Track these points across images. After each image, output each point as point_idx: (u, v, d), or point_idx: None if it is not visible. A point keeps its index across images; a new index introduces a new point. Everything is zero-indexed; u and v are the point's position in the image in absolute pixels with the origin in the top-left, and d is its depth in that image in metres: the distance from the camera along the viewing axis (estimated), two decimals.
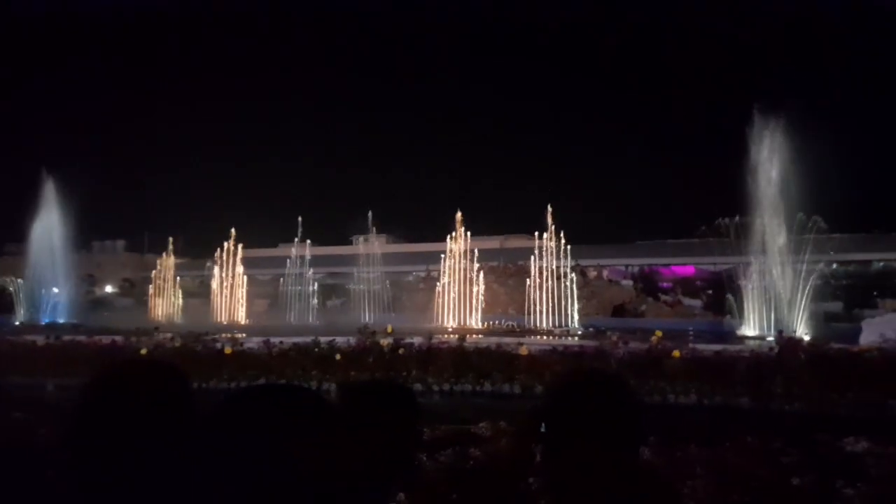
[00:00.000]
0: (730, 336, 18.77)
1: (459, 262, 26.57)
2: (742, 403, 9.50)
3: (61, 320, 29.44)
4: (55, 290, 47.82)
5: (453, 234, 27.00)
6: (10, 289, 44.60)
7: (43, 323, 27.67)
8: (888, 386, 9.09)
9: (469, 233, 27.51)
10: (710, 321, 25.06)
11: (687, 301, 33.78)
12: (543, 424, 1.66)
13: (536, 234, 26.99)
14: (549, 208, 26.74)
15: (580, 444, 1.56)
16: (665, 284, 40.36)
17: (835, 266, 42.78)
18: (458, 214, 26.87)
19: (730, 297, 23.18)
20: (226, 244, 31.00)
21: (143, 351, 13.20)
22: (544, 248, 26.72)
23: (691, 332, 16.97)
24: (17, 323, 27.42)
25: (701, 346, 11.79)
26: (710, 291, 37.33)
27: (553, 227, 26.70)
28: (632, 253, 46.90)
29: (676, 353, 10.53)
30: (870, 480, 4.38)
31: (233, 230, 29.62)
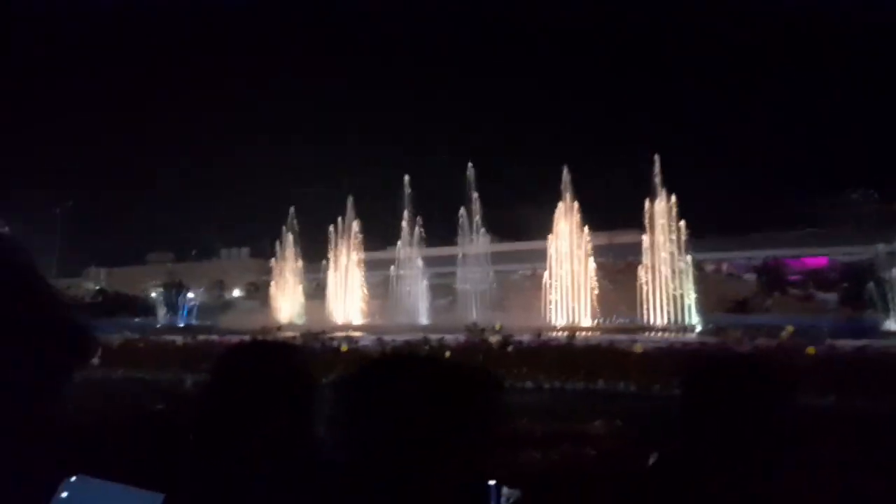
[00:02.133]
0: (873, 332, 16.99)
1: (566, 259, 26.07)
2: (890, 406, 8.54)
3: (195, 322, 32.06)
4: (190, 294, 52.29)
5: (555, 230, 26.57)
6: (153, 294, 49.32)
7: (180, 325, 30.26)
8: None
9: (576, 229, 26.91)
10: (849, 317, 22.81)
11: (820, 295, 31.03)
12: (681, 425, 1.53)
13: (647, 226, 25.86)
14: (659, 200, 25.57)
15: (728, 453, 1.42)
16: (794, 277, 37.33)
17: None
18: (561, 207, 26.35)
19: (871, 286, 21.01)
20: (339, 248, 32.48)
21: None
22: (654, 243, 25.59)
23: (826, 329, 15.54)
24: (157, 325, 30.18)
25: (840, 343, 10.74)
26: (847, 284, 34.09)
27: (666, 219, 25.50)
28: (754, 244, 43.78)
29: (811, 350, 9.68)
30: None
31: (353, 230, 30.98)
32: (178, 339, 16.06)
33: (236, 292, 53.21)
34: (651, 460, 1.69)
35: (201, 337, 16.43)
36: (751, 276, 34.43)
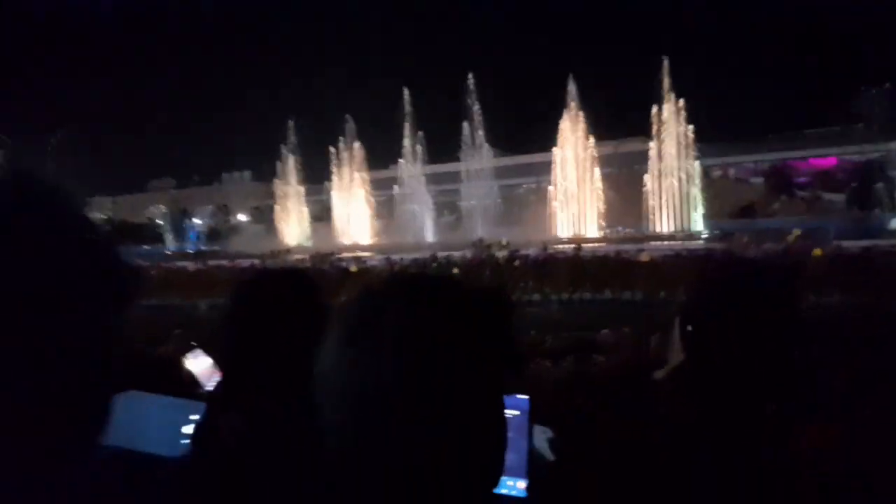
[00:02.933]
0: (878, 232, 16.98)
1: (571, 170, 25.78)
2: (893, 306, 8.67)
3: (203, 247, 32.35)
4: (196, 220, 52.44)
5: (560, 141, 26.11)
6: (159, 220, 49.47)
7: (190, 251, 30.54)
8: None
9: (581, 139, 26.43)
10: (855, 217, 22.75)
11: (827, 196, 30.84)
12: (690, 325, 1.54)
13: (654, 132, 25.36)
14: (665, 105, 24.93)
15: (735, 347, 1.43)
16: (801, 180, 36.97)
17: None
18: (565, 117, 25.79)
19: (878, 186, 20.81)
20: (341, 168, 32.14)
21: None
22: (661, 150, 25.19)
23: (833, 230, 15.53)
24: (167, 252, 30.50)
25: (847, 244, 10.75)
26: (855, 185, 33.76)
27: (673, 125, 24.97)
28: (761, 148, 43.07)
29: (818, 252, 9.71)
30: None
31: (355, 148, 30.55)
32: (190, 265, 16.28)
33: (241, 216, 53.30)
34: (670, 363, 1.71)
35: (212, 262, 16.64)
36: (758, 180, 34.11)
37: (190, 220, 42.60)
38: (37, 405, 0.55)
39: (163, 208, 50.47)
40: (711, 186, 28.64)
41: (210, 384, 2.06)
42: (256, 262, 15.49)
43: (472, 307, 0.79)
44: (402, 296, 0.77)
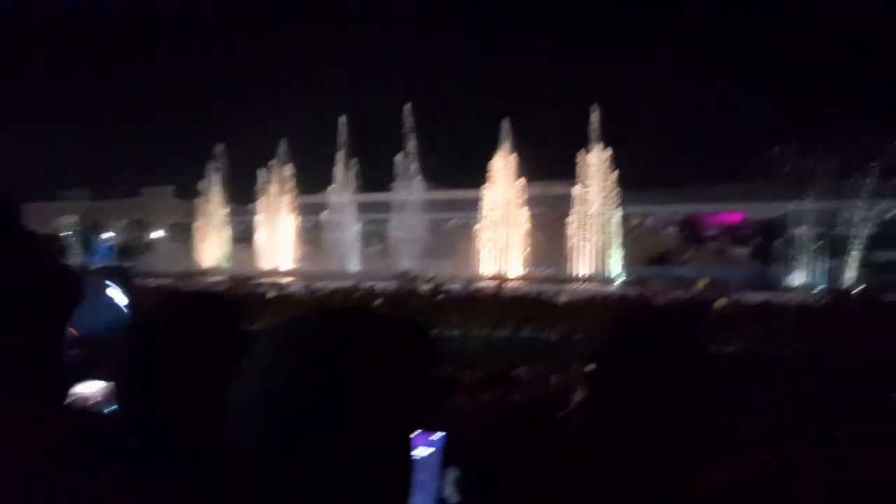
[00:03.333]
0: (775, 286, 18.26)
1: (499, 209, 26.35)
2: (789, 354, 9.30)
3: (114, 264, 30.61)
4: (107, 234, 49.66)
5: (491, 180, 26.73)
6: (64, 233, 46.53)
7: (95, 267, 28.79)
8: None
9: (510, 179, 27.14)
10: (758, 270, 24.40)
11: (734, 249, 32.95)
12: (594, 366, 1.61)
13: (579, 177, 26.48)
14: (592, 153, 26.11)
15: (635, 387, 1.50)
16: (711, 232, 39.37)
17: (892, 213, 40.89)
18: (498, 157, 26.45)
19: (777, 243, 22.43)
20: (270, 190, 31.46)
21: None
22: (585, 195, 26.27)
23: (736, 282, 16.57)
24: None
25: (748, 295, 11.51)
26: (758, 240, 36.21)
27: (597, 172, 26.14)
28: (676, 199, 45.69)
29: (721, 302, 10.33)
30: None
31: (285, 171, 29.96)
32: None
33: (158, 233, 51.01)
34: (574, 400, 1.76)
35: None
36: (672, 230, 36.00)
37: (99, 234, 40.31)
38: None
39: (71, 220, 47.59)
40: (630, 233, 30.00)
41: (106, 409, 1.92)
42: (168, 281, 14.81)
43: (387, 341, 0.79)
44: (314, 328, 0.76)
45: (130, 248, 37.90)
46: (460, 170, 28.07)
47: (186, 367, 1.27)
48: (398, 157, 30.60)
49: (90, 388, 2.07)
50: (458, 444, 1.72)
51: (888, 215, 40.65)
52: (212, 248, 29.91)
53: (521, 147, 26.54)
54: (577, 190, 26.53)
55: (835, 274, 18.26)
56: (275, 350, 0.77)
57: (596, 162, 26.27)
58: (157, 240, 43.52)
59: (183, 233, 39.72)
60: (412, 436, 0.79)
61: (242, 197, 33.50)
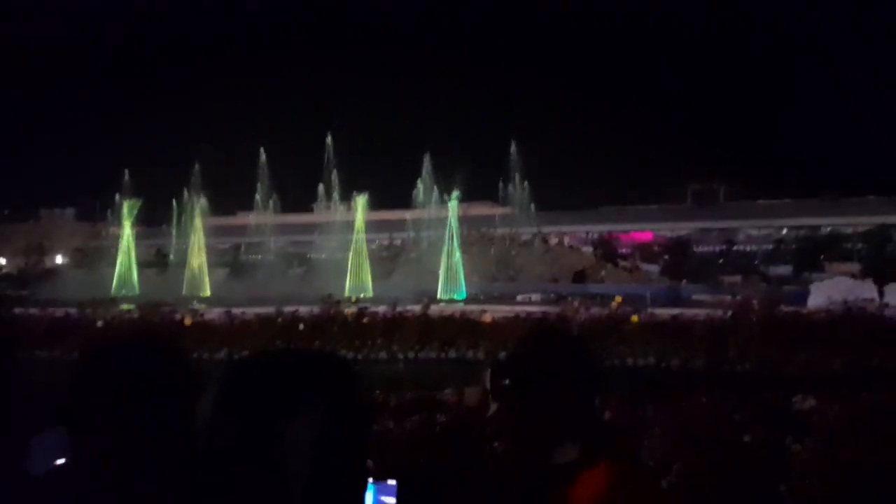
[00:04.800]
0: (685, 300, 19.27)
1: (422, 229, 26.50)
2: (697, 365, 9.84)
3: (8, 292, 28.30)
4: (1, 260, 45.97)
5: (413, 201, 26.90)
6: None
7: None
8: (834, 346, 9.54)
9: (430, 201, 27.41)
10: (668, 286, 25.71)
11: (645, 266, 34.60)
12: (505, 380, 1.70)
13: (501, 200, 27.19)
14: (511, 176, 26.91)
15: (541, 399, 1.60)
16: (624, 250, 41.23)
17: (785, 231, 44.36)
18: (420, 182, 26.72)
19: (687, 259, 23.74)
20: (182, 212, 30.23)
21: (100, 323, 12.88)
22: (507, 216, 26.92)
23: (649, 297, 17.36)
24: None
25: (659, 311, 12.11)
26: (667, 257, 38.25)
27: (516, 194, 26.90)
28: (592, 220, 47.61)
29: (635, 318, 10.82)
30: (815, 436, 4.61)
31: (199, 193, 28.80)
32: None
33: (59, 258, 47.71)
34: (490, 412, 1.84)
35: (17, 310, 14.60)
36: (588, 249, 37.40)
37: None
38: None
39: None
40: (549, 252, 30.91)
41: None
42: (73, 310, 13.87)
43: (313, 380, 0.80)
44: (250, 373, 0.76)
45: (28, 275, 35.22)
46: (386, 192, 27.99)
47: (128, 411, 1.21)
48: (323, 179, 30.29)
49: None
50: (410, 492, 1.72)
51: (782, 233, 43.99)
52: (120, 274, 28.24)
53: (444, 169, 26.84)
54: (497, 211, 27.17)
55: (737, 288, 19.51)
56: (216, 405, 0.76)
57: (515, 185, 27.14)
58: (59, 265, 40.73)
59: (87, 258, 37.38)
60: (366, 485, 0.80)
61: (151, 218, 32.03)
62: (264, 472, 0.71)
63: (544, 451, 1.58)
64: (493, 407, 1.87)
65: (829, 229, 45.18)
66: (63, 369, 1.36)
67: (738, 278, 25.35)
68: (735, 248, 42.56)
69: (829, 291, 13.90)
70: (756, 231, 46.10)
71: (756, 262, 35.63)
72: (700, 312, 11.79)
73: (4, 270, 41.92)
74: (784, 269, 33.55)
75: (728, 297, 12.98)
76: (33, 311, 14.51)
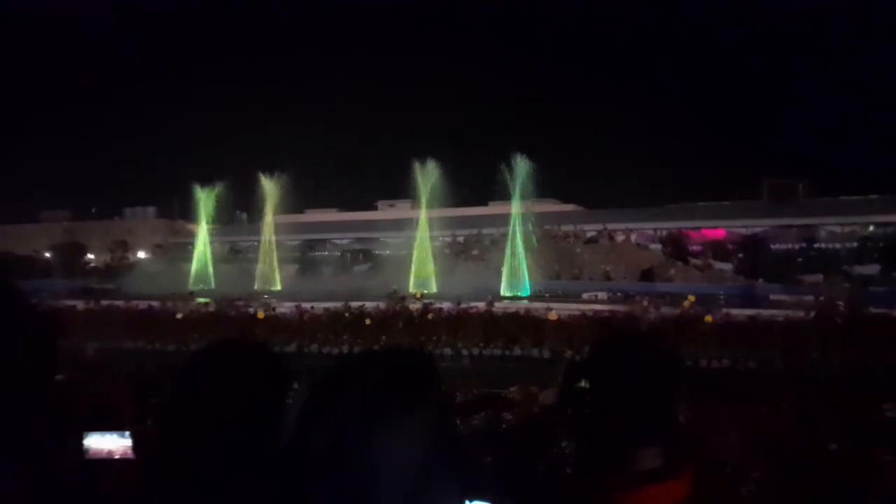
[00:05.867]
0: (762, 301, 18.42)
1: (500, 224, 26.32)
2: (777, 368, 9.38)
3: (96, 286, 30.14)
4: (90, 255, 49.01)
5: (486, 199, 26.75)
6: (47, 255, 45.87)
7: (80, 288, 28.36)
8: None
9: (494, 198, 27.23)
10: (742, 285, 24.64)
11: (718, 264, 33.32)
12: (583, 380, 1.66)
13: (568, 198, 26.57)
14: (578, 173, 26.29)
15: (621, 402, 1.56)
16: (695, 248, 39.82)
17: (871, 228, 41.67)
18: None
19: (763, 258, 22.63)
20: (255, 210, 31.30)
21: (179, 315, 13.53)
22: (569, 213, 26.39)
23: (722, 296, 16.69)
24: (54, 288, 28.14)
25: (734, 311, 11.60)
26: (741, 255, 36.68)
27: (582, 191, 26.29)
28: (661, 217, 46.19)
29: (709, 318, 10.41)
30: None
31: (270, 192, 29.70)
32: (80, 304, 15.12)
33: (141, 254, 50.44)
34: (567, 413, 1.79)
35: (105, 302, 15.53)
36: (657, 247, 36.34)
37: (83, 255, 39.75)
38: None
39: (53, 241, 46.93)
40: (615, 249, 30.23)
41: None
42: (155, 304, 14.63)
43: (405, 379, 0.79)
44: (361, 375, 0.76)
45: (113, 269, 37.41)
46: (447, 190, 27.82)
47: (208, 415, 1.23)
48: (383, 177, 30.54)
49: (106, 441, 1.87)
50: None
51: (867, 231, 41.34)
52: (198, 269, 29.59)
53: (505, 167, 26.31)
54: (563, 208, 26.65)
55: (818, 288, 18.46)
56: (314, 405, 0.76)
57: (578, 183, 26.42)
58: (141, 260, 43.10)
59: (166, 254, 39.35)
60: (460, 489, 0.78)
61: (227, 216, 33.28)
62: (360, 473, 0.70)
63: (624, 456, 1.53)
64: (569, 407, 1.84)
65: None
66: (148, 359, 1.41)
67: (819, 278, 23.99)
68: (816, 246, 40.38)
69: None
70: (839, 228, 43.49)
71: (839, 261, 33.65)
72: (779, 313, 11.22)
73: (92, 265, 44.66)
74: (870, 269, 31.52)
75: (809, 298, 12.28)
76: (119, 303, 15.42)
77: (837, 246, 40.06)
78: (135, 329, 13.26)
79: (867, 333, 9.52)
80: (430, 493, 0.74)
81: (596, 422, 1.62)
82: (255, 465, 1.07)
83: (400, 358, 0.82)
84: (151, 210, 65.24)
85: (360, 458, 0.72)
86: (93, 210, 65.79)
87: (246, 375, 1.25)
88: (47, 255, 45.31)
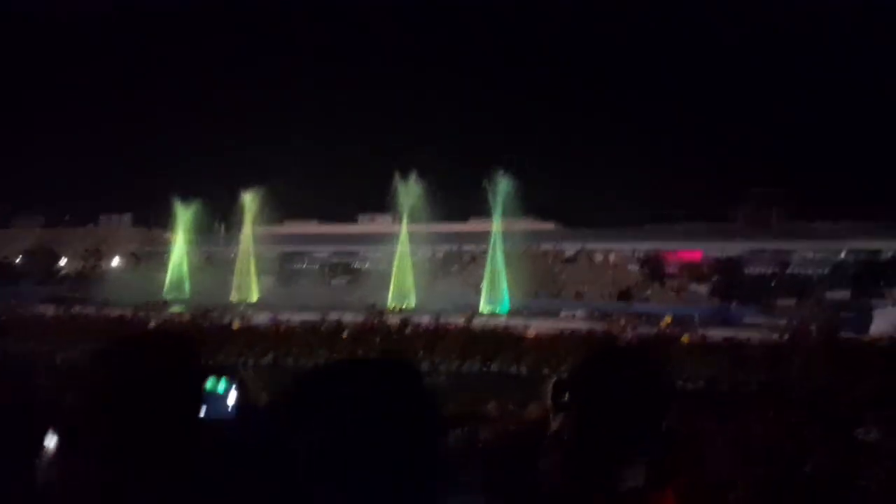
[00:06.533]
0: (735, 322, 18.64)
1: (479, 241, 26.35)
2: (751, 389, 9.45)
3: (67, 293, 29.49)
4: (62, 262, 48.03)
5: (464, 216, 26.79)
6: (17, 260, 44.87)
7: (50, 295, 27.70)
8: None
9: (472, 215, 27.30)
10: (717, 307, 24.94)
11: (693, 286, 33.73)
12: (567, 395, 1.65)
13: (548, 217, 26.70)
14: (555, 192, 26.50)
15: (607, 418, 1.54)
16: (671, 270, 40.28)
17: (843, 254, 42.60)
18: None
19: (738, 280, 22.93)
20: (232, 220, 30.97)
21: (151, 324, 13.27)
22: (547, 231, 26.55)
23: (697, 318, 16.86)
24: (24, 295, 27.48)
25: (711, 332, 11.72)
26: (716, 277, 37.14)
27: (560, 210, 26.49)
28: (639, 237, 46.74)
29: (686, 338, 10.49)
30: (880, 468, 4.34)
31: (249, 202, 29.40)
32: (49, 311, 14.78)
33: (115, 262, 49.56)
34: (551, 429, 1.78)
35: (75, 309, 15.19)
36: (634, 267, 36.68)
37: (54, 262, 38.92)
38: None
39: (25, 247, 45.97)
40: (593, 269, 30.48)
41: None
42: (127, 312, 14.34)
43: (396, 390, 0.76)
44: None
45: (86, 277, 36.67)
46: (425, 205, 27.76)
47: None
48: (364, 190, 30.50)
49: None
50: None
51: (839, 257, 42.23)
52: (173, 278, 29.14)
53: (484, 185, 26.29)
54: (539, 227, 26.79)
55: (791, 311, 18.77)
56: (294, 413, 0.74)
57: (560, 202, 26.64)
58: (115, 268, 42.32)
59: (140, 262, 38.72)
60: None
61: (204, 226, 32.85)
62: (347, 476, 0.68)
63: (609, 473, 1.51)
64: (555, 423, 1.82)
65: (890, 254, 43.18)
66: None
67: (792, 301, 24.40)
68: (789, 270, 41.12)
69: (894, 318, 13.24)
70: (812, 254, 44.41)
71: (812, 285, 34.28)
72: (754, 335, 11.35)
73: (63, 272, 43.75)
74: (842, 294, 32.15)
75: (783, 321, 12.46)
76: (90, 310, 15.08)
77: (810, 271, 40.88)
78: (104, 337, 12.97)
79: (841, 357, 9.66)
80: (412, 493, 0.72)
81: (581, 438, 1.60)
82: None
83: (386, 367, 0.80)
84: (127, 218, 64.24)
85: (345, 461, 0.70)
86: (67, 217, 64.58)
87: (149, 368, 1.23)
88: (17, 261, 44.31)
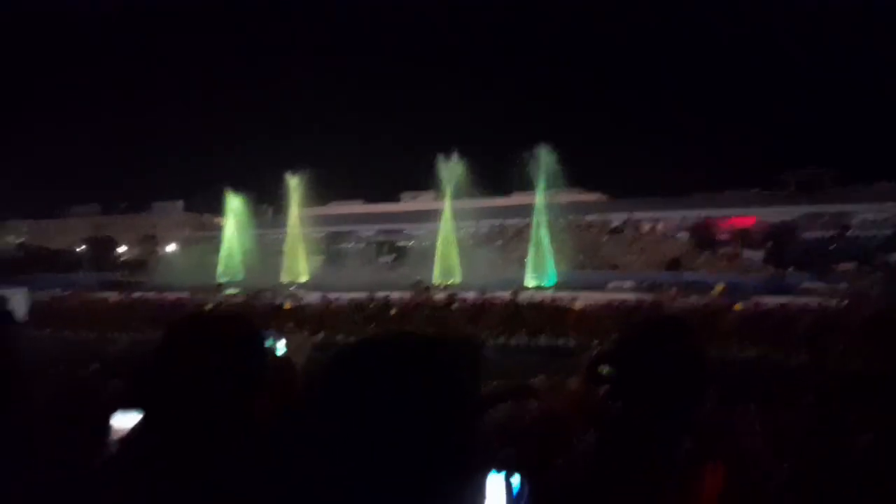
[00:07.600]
0: (792, 289, 18.01)
1: (520, 215, 26.20)
2: (805, 359, 9.19)
3: (127, 278, 30.72)
4: (121, 248, 50.06)
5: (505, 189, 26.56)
6: (77, 248, 46.94)
7: (111, 281, 28.95)
8: None
9: (518, 188, 27.03)
10: (771, 274, 24.14)
11: (747, 253, 32.67)
12: (607, 368, 1.65)
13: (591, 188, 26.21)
14: (602, 162, 25.93)
15: (647, 392, 1.54)
16: (723, 237, 39.08)
17: None
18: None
19: (793, 246, 22.07)
20: (282, 202, 31.57)
21: (208, 306, 13.77)
22: (594, 202, 26.09)
23: (752, 286, 16.37)
24: (87, 281, 28.79)
25: (765, 300, 11.35)
26: (771, 244, 35.88)
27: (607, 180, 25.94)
28: (687, 205, 45.44)
29: (738, 306, 10.23)
30: None
31: (294, 184, 29.85)
32: (112, 296, 15.48)
33: (170, 247, 51.32)
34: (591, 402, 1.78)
35: (136, 294, 15.86)
36: (683, 235, 35.76)
37: (114, 248, 40.51)
38: None
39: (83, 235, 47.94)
40: (640, 239, 29.87)
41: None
42: (184, 295, 14.90)
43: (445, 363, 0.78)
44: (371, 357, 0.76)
45: (144, 262, 38.14)
46: (473, 180, 27.61)
47: (214, 393, 1.26)
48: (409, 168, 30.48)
49: (126, 420, 1.91)
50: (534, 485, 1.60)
51: None
52: (225, 261, 30.01)
53: (531, 157, 25.98)
54: (586, 197, 26.33)
55: (851, 276, 18.00)
56: (336, 383, 0.77)
57: (604, 170, 26.05)
58: (170, 253, 43.84)
59: (195, 246, 39.96)
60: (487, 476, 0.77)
61: (254, 209, 33.61)
62: (381, 452, 0.70)
63: (653, 445, 1.51)
64: (592, 398, 1.82)
65: None
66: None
67: (851, 266, 23.41)
68: (848, 234, 39.35)
69: None
70: (872, 216, 42.30)
71: (873, 248, 32.75)
72: (811, 301, 10.93)
73: (123, 258, 45.58)
74: None
75: (842, 286, 11.98)
76: (150, 294, 15.73)
77: (871, 234, 39.02)
78: (164, 320, 13.52)
79: None
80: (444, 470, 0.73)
81: (622, 412, 1.60)
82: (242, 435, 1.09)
83: (435, 348, 0.81)
84: (179, 204, 66.26)
85: (376, 438, 0.72)
86: (122, 205, 67.05)
87: (220, 347, 1.28)
88: (78, 249, 46.34)
